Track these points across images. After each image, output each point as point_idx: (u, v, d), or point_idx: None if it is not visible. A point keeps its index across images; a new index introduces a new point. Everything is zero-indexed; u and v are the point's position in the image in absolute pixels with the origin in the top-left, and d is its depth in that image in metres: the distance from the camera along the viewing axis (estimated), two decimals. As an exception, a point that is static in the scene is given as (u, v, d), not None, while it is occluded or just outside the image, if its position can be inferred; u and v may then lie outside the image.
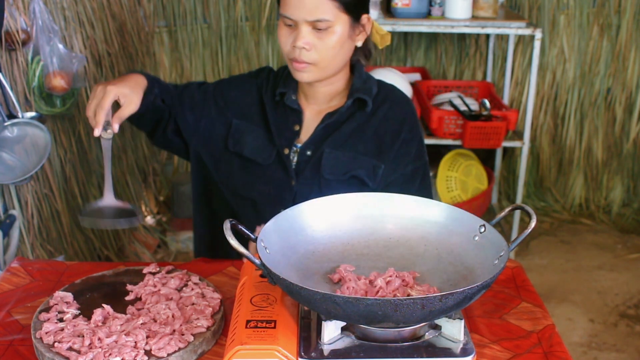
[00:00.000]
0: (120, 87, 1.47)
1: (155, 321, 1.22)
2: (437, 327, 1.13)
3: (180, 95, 1.73)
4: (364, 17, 1.58)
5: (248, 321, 1.11)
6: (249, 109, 1.70)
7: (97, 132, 1.42)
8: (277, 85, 1.68)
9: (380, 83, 1.71)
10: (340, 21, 1.51)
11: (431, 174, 3.22)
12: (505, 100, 3.52)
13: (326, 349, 1.08)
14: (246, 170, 1.67)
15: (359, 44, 1.61)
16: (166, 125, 1.70)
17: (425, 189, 1.69)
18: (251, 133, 1.67)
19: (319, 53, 1.52)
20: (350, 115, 1.65)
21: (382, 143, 1.64)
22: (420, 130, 1.71)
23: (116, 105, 1.50)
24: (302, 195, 1.61)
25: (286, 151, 1.64)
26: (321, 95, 1.65)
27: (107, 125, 1.43)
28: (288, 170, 1.63)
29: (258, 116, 1.69)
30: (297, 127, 1.65)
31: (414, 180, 1.67)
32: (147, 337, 1.16)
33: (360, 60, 1.68)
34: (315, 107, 1.67)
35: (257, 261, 1.11)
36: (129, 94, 1.49)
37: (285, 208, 1.61)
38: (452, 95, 3.15)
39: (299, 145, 1.65)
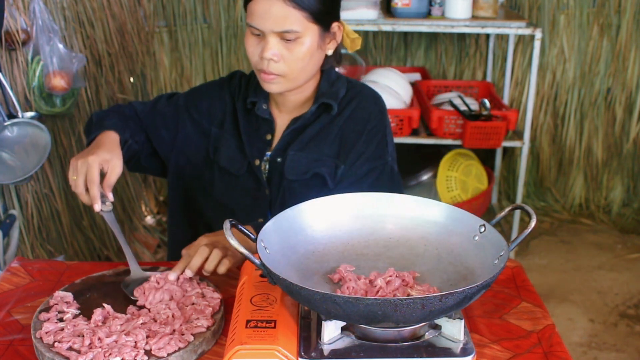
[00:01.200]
0: (100, 155, 1.41)
1: (155, 321, 1.22)
2: (437, 327, 1.13)
3: (150, 116, 1.69)
4: (334, 25, 1.54)
5: (248, 321, 1.11)
6: (224, 118, 1.67)
7: (97, 208, 1.36)
8: (248, 93, 1.64)
9: (351, 83, 1.67)
10: (309, 32, 1.47)
11: (431, 174, 3.23)
12: (505, 100, 3.52)
13: (326, 349, 1.08)
14: (224, 179, 1.65)
15: (330, 52, 1.56)
16: (139, 157, 1.67)
17: (375, 189, 1.42)
18: (225, 142, 1.64)
19: (287, 64, 1.48)
20: (316, 118, 1.62)
21: (345, 143, 1.61)
22: (384, 130, 1.65)
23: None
24: (274, 202, 1.61)
25: (257, 162, 1.62)
26: (291, 103, 1.62)
27: (101, 197, 1.39)
28: (260, 181, 1.61)
29: (231, 125, 1.65)
30: (269, 137, 1.63)
31: (365, 180, 1.61)
32: (147, 337, 1.16)
33: (333, 65, 1.63)
34: (286, 115, 1.64)
35: (257, 261, 1.11)
36: (111, 159, 1.43)
37: (262, 217, 1.61)
38: (452, 95, 3.15)
39: (269, 154, 1.63)
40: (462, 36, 3.56)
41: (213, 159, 1.65)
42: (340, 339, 1.10)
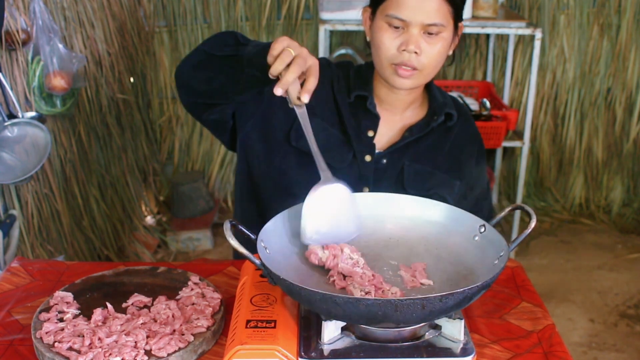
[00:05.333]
0: (311, 56, 1.24)
1: (156, 321, 1.22)
2: (437, 327, 1.13)
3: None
4: (460, 24, 1.52)
5: (248, 321, 1.11)
6: (322, 105, 1.54)
7: (280, 92, 1.19)
8: (353, 86, 1.56)
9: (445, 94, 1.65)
10: (448, 27, 1.45)
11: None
12: (505, 100, 3.52)
13: (326, 349, 1.08)
14: (306, 168, 1.46)
15: (450, 52, 1.54)
16: (226, 106, 1.53)
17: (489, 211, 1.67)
18: (323, 131, 1.50)
19: (427, 59, 1.44)
20: (431, 128, 1.57)
21: (458, 159, 1.59)
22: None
23: None
24: None
25: (368, 158, 1.52)
26: (399, 103, 1.56)
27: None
28: (364, 177, 1.52)
29: (332, 115, 1.54)
30: (371, 133, 1.53)
31: (483, 202, 1.67)
32: (147, 337, 1.16)
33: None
34: (389, 115, 1.57)
35: (257, 261, 1.11)
36: (315, 65, 1.25)
37: None
38: (452, 95, 3.15)
39: (378, 152, 1.55)
40: (462, 36, 3.55)
41: (295, 145, 1.51)
42: (340, 339, 1.10)
